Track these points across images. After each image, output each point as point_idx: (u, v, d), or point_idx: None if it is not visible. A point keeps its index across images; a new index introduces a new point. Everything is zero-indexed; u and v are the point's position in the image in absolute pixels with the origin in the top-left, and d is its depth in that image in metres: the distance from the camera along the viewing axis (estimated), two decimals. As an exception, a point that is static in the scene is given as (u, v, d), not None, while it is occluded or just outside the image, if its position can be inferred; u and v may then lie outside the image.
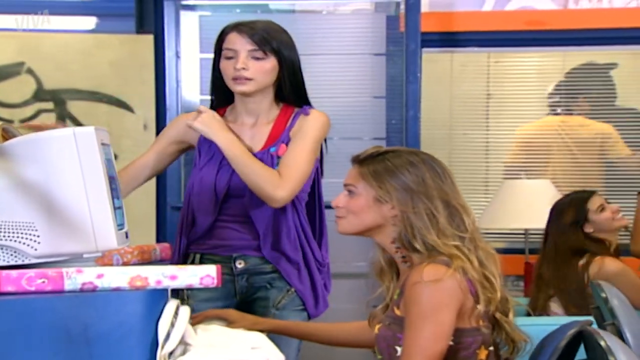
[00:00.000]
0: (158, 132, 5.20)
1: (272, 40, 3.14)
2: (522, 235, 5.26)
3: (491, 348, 2.54)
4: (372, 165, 2.61)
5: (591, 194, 4.27)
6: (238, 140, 3.15)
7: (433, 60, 5.66)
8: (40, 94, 5.43)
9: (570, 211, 4.18)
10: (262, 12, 5.63)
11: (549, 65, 5.95)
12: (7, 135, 2.51)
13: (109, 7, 5.62)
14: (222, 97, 3.29)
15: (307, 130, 3.18)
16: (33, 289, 2.03)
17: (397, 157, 2.60)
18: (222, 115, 3.24)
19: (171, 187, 5.27)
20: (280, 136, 3.21)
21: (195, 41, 5.45)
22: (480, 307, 2.47)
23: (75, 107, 5.43)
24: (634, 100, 5.90)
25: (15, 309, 1.98)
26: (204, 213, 3.22)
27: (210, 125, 3.12)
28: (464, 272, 2.46)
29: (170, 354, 2.06)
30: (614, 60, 5.84)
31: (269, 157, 3.17)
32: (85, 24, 5.64)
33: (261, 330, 2.59)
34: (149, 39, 5.42)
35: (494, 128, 5.97)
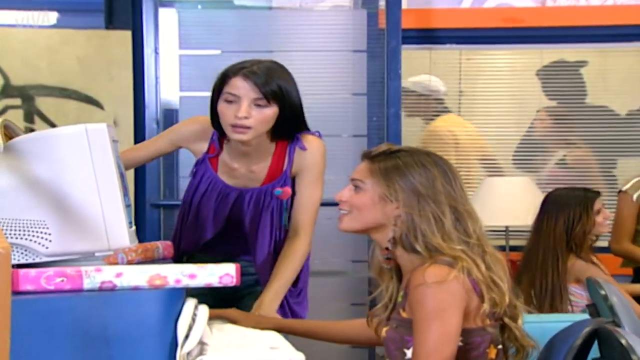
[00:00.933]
0: (136, 129, 5.19)
1: (274, 83, 3.01)
2: (503, 233, 5.26)
3: (500, 346, 2.53)
4: (383, 163, 2.58)
5: (597, 194, 4.26)
6: (275, 295, 3.12)
7: (411, 57, 5.64)
8: (7, 90, 5.34)
9: (578, 208, 4.16)
10: (226, 9, 5.56)
11: (524, 63, 5.95)
12: (8, 131, 2.46)
13: (76, 2, 5.56)
14: (220, 130, 3.17)
15: (311, 169, 3.18)
16: (52, 287, 2.00)
17: (409, 157, 2.57)
18: (221, 145, 3.20)
19: (150, 185, 5.22)
20: (280, 176, 3.18)
21: (174, 37, 5.39)
22: (486, 307, 2.46)
23: (43, 103, 5.35)
24: (605, 99, 5.94)
25: (34, 308, 1.95)
26: (200, 234, 3.26)
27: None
28: (468, 273, 2.44)
29: (188, 353, 2.03)
30: (587, 57, 5.87)
31: (275, 199, 3.17)
32: (52, 19, 5.57)
33: (265, 329, 2.57)
34: (118, 34, 5.35)
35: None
